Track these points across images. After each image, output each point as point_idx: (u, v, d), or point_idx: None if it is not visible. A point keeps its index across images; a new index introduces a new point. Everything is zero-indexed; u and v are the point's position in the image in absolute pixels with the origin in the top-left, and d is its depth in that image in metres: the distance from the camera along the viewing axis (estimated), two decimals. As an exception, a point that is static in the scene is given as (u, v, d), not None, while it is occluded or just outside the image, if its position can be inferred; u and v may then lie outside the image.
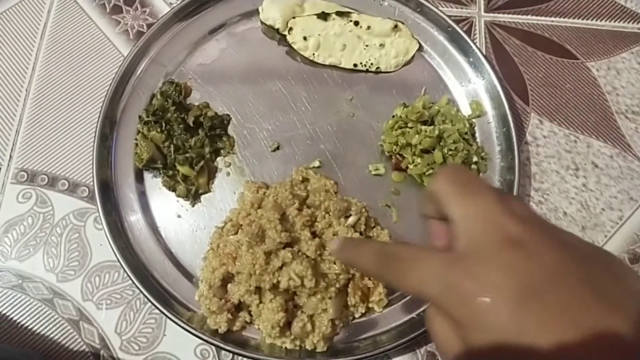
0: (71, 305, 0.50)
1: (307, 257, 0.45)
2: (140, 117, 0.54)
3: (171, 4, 0.63)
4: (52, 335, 0.49)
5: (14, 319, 0.49)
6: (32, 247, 0.52)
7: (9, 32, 0.61)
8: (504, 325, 0.24)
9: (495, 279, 0.25)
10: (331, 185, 0.52)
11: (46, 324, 0.49)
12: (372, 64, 0.58)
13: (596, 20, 0.65)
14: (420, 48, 0.59)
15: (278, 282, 0.44)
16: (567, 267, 0.25)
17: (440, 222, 0.32)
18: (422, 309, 0.48)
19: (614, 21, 0.65)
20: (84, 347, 0.49)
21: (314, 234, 0.47)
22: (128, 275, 0.48)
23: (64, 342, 0.49)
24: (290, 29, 0.58)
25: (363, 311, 0.48)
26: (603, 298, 0.24)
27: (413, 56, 0.59)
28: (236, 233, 0.48)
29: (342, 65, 0.58)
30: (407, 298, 0.49)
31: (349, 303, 0.47)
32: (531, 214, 0.29)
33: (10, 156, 0.56)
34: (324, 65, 0.58)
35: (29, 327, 0.49)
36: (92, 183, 0.52)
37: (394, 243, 0.43)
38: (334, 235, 0.46)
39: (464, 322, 0.25)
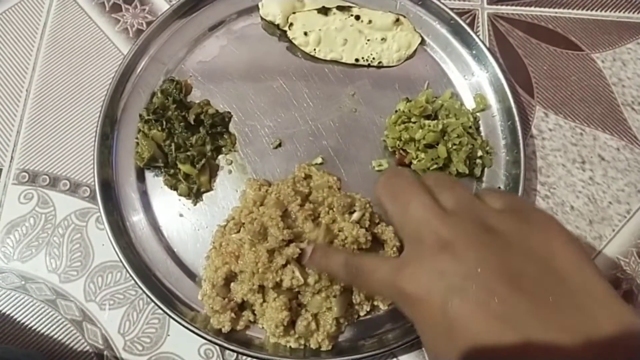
0: (74, 306, 0.50)
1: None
2: (140, 115, 0.54)
3: (170, 1, 0.63)
4: (55, 336, 0.49)
5: (17, 320, 0.49)
6: (35, 248, 0.52)
7: (8, 32, 0.61)
8: (438, 322, 0.28)
9: (427, 282, 0.29)
10: (334, 181, 0.51)
11: (49, 324, 0.49)
12: (374, 58, 0.57)
13: (601, 10, 0.64)
14: (423, 42, 0.58)
15: (281, 280, 0.44)
16: (485, 262, 0.28)
17: None
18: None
19: (619, 11, 0.64)
20: (88, 347, 0.48)
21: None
22: (130, 275, 0.47)
23: (67, 342, 0.49)
24: (291, 24, 0.57)
25: (368, 309, 0.47)
26: (517, 285, 0.27)
27: (415, 50, 0.58)
28: (239, 231, 0.48)
29: (343, 61, 0.57)
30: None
31: (354, 301, 0.46)
32: (460, 202, 0.32)
33: (12, 157, 0.55)
34: (325, 61, 0.58)
35: (32, 328, 0.49)
36: (93, 183, 0.51)
37: (358, 254, 0.44)
38: (339, 231, 0.46)
39: (413, 320, 0.30)
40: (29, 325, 0.49)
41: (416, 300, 0.29)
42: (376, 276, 0.33)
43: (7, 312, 0.49)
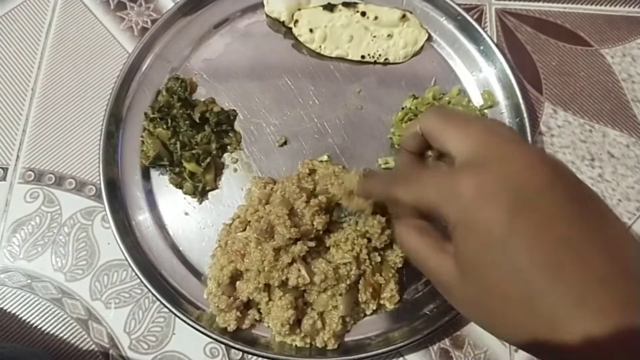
0: (80, 305, 0.50)
1: (318, 251, 0.45)
2: (146, 114, 0.53)
3: (175, -1, 0.62)
4: (61, 335, 0.49)
5: (23, 318, 0.49)
6: (41, 247, 0.52)
7: (14, 31, 0.61)
8: (494, 228, 0.26)
9: (493, 186, 0.27)
10: (340, 170, 0.50)
11: (55, 323, 0.49)
12: (380, 55, 0.57)
13: (610, 5, 0.63)
14: (430, 38, 0.58)
15: (287, 278, 0.43)
16: (557, 182, 0.27)
17: (412, 155, 0.37)
18: (435, 306, 0.47)
19: (629, 6, 0.63)
20: (93, 346, 0.48)
21: (328, 230, 0.46)
22: (136, 274, 0.47)
23: (73, 341, 0.49)
24: (296, 21, 0.57)
25: (374, 308, 0.47)
26: (580, 211, 0.26)
27: (422, 46, 0.57)
28: (244, 230, 0.48)
29: (349, 57, 0.57)
30: (419, 294, 0.48)
31: (360, 300, 0.46)
32: (521, 138, 0.31)
33: (18, 156, 0.55)
34: (331, 58, 0.57)
35: (38, 327, 0.49)
36: (99, 181, 0.51)
37: None
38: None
39: (456, 220, 0.28)
40: (35, 324, 0.49)
41: (473, 204, 0.27)
42: (423, 178, 0.31)
43: (13, 311, 0.50)
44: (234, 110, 0.55)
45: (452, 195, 0.28)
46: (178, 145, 0.51)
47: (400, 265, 0.47)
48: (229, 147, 0.54)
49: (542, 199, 0.26)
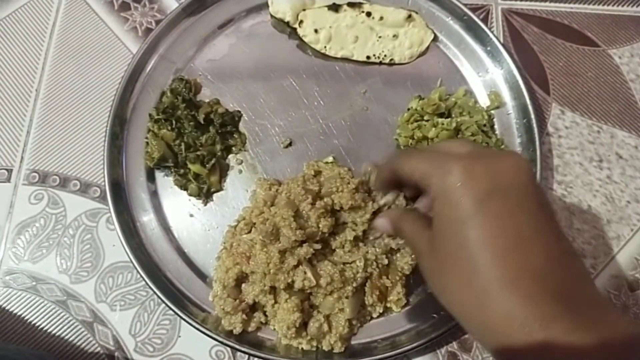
0: (85, 307, 0.49)
1: (324, 253, 0.45)
2: (150, 115, 0.53)
3: (179, -1, 0.62)
4: (66, 337, 0.49)
5: (28, 320, 0.49)
6: (45, 249, 0.51)
7: (18, 32, 0.61)
8: (465, 203, 0.30)
9: (480, 170, 0.31)
10: (345, 172, 0.50)
11: (60, 325, 0.49)
12: (385, 55, 0.56)
13: (617, 5, 0.63)
14: (435, 38, 0.57)
15: (293, 281, 0.43)
16: (535, 187, 0.31)
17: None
18: (442, 309, 0.47)
19: (637, 6, 0.63)
20: (98, 348, 0.48)
21: (334, 232, 0.46)
22: (141, 276, 0.47)
23: (78, 343, 0.48)
24: (301, 21, 0.56)
25: (381, 311, 0.46)
26: (545, 222, 0.31)
27: (428, 47, 0.57)
28: (249, 232, 0.47)
29: (354, 58, 0.57)
30: (426, 297, 0.48)
31: (367, 302, 0.46)
32: None
33: (22, 157, 0.55)
34: (336, 59, 0.57)
35: (43, 329, 0.49)
36: (103, 183, 0.51)
37: None
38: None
39: (439, 190, 0.32)
40: (40, 326, 0.49)
41: (457, 179, 0.31)
42: (428, 150, 0.36)
43: (18, 313, 0.49)
44: (239, 111, 0.55)
45: (443, 168, 0.32)
46: (183, 147, 0.51)
47: (407, 272, 0.47)
48: (233, 148, 0.54)
49: (517, 192, 0.30)
